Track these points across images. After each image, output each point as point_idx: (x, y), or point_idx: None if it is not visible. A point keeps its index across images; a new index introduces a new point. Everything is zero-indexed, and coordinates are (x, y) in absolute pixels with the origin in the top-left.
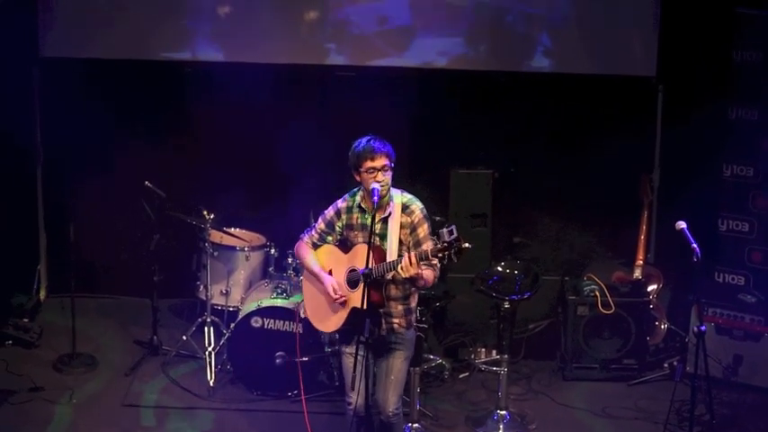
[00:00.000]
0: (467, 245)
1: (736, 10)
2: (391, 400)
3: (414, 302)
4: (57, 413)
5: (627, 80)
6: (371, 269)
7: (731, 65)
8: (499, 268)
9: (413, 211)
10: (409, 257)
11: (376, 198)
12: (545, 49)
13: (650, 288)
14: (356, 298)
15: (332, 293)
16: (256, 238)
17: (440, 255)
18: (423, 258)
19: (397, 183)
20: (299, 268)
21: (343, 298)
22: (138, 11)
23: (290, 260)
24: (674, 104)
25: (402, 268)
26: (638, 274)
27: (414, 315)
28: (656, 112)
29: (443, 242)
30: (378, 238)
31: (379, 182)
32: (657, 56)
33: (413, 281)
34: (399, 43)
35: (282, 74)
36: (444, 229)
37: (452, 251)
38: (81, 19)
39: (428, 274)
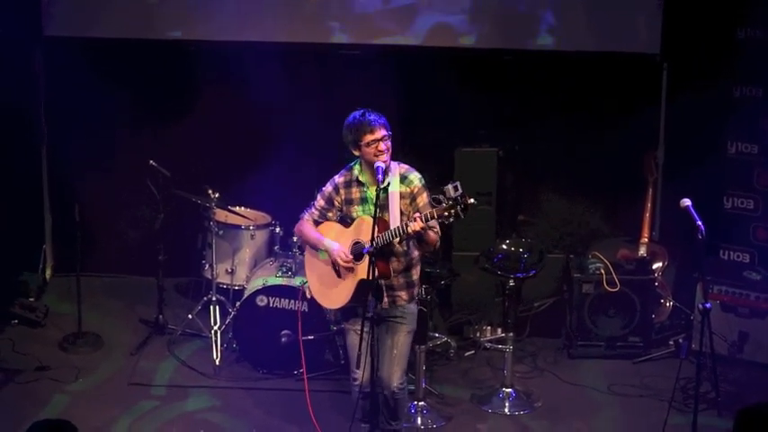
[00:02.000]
0: (472, 200)
1: None
2: (396, 375)
3: (416, 275)
4: (62, 392)
5: (631, 57)
6: (375, 245)
7: (736, 42)
8: (504, 246)
9: (411, 181)
10: (416, 218)
11: (380, 177)
12: (548, 26)
13: (655, 266)
14: (362, 270)
15: (343, 257)
16: (261, 217)
17: (446, 213)
18: (428, 219)
19: (401, 161)
20: (304, 246)
21: (352, 265)
22: None
23: (295, 239)
24: (679, 82)
25: (409, 225)
26: (643, 251)
27: (416, 288)
28: (660, 89)
29: (449, 198)
30: (379, 209)
31: (381, 152)
32: (662, 33)
33: (419, 241)
34: (403, 21)
35: (287, 52)
36: (450, 186)
37: (459, 207)
38: None
39: (432, 234)
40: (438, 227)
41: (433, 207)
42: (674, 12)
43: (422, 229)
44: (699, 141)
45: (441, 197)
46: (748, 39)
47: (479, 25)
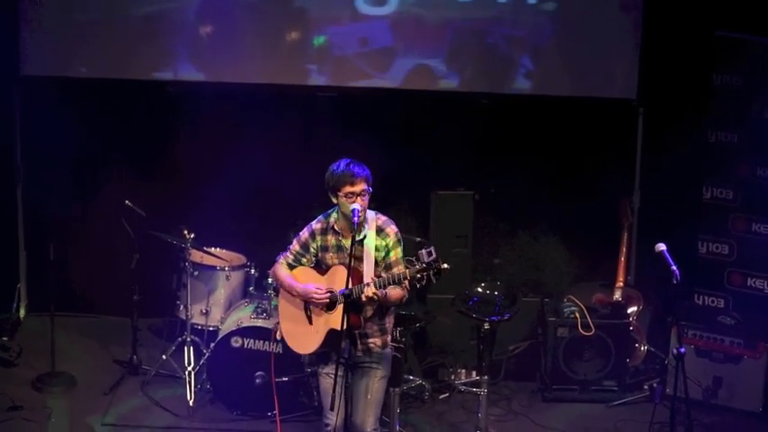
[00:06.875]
0: (445, 266)
1: (716, 34)
2: (369, 421)
3: (389, 323)
4: None
5: (607, 103)
6: (351, 289)
7: (711, 88)
8: (479, 289)
9: (387, 234)
10: (370, 283)
11: (356, 219)
12: (526, 71)
13: (630, 310)
14: (333, 319)
15: (317, 291)
16: (237, 258)
17: (419, 276)
18: (399, 281)
19: (378, 204)
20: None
21: (328, 295)
22: (121, 30)
23: (270, 280)
24: (655, 127)
25: (364, 294)
26: (618, 296)
27: (389, 335)
28: (636, 134)
29: (422, 263)
30: (354, 260)
31: (359, 205)
32: (638, 79)
33: (382, 300)
34: (381, 64)
35: (264, 94)
36: (423, 251)
37: (431, 272)
38: (63, 38)
39: (394, 293)
40: (408, 284)
41: (405, 266)
42: (651, 57)
43: (374, 294)
44: (674, 186)
45: (414, 260)
46: (724, 84)
47: (457, 69)
